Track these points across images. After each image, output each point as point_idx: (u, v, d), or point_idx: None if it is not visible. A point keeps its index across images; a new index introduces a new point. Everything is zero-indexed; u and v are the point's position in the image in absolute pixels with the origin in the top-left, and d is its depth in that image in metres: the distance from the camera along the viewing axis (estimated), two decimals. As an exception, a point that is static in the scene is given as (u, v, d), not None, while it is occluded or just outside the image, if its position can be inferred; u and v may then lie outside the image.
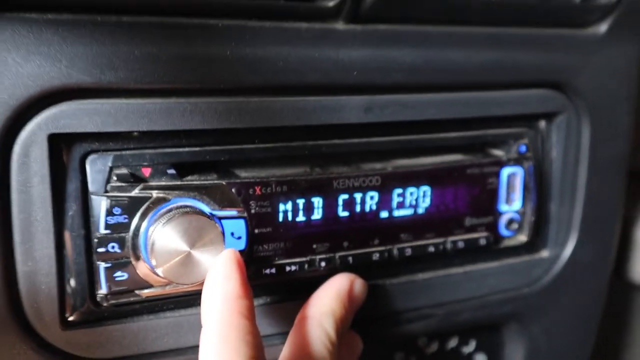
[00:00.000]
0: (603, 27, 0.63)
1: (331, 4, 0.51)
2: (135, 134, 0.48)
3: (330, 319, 0.51)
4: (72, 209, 0.47)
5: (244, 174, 0.53)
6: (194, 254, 0.47)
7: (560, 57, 0.62)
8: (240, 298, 0.45)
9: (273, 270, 0.54)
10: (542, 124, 0.65)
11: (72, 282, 0.48)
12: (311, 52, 0.52)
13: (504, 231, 0.64)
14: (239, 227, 0.52)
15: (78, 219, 0.48)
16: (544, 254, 0.68)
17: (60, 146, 0.47)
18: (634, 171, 0.85)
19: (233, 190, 0.51)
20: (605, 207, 0.69)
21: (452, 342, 0.73)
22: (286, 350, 0.50)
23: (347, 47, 0.53)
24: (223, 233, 0.48)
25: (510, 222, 0.64)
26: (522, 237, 0.65)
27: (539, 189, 0.65)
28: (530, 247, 0.67)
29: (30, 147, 0.44)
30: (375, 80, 0.54)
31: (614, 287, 0.82)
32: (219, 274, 0.46)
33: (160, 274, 0.47)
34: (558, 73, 0.62)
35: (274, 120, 0.52)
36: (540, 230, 0.67)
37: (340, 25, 0.53)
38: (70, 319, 0.49)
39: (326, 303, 0.53)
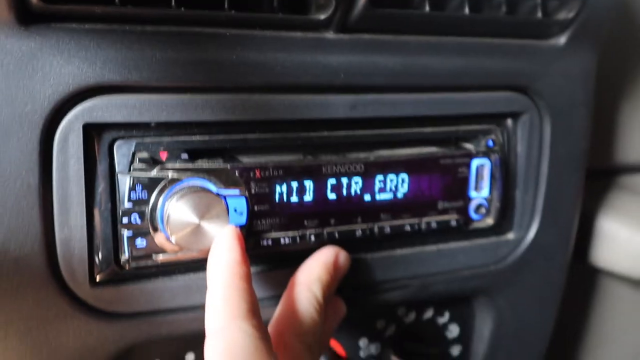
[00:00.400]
0: (562, 39, 0.69)
1: (322, 17, 0.58)
2: (153, 124, 0.55)
3: (317, 284, 0.58)
4: (101, 186, 0.55)
5: (246, 159, 0.59)
6: (203, 225, 0.54)
7: (524, 64, 0.68)
8: (240, 265, 0.51)
9: (269, 242, 0.60)
10: (509, 122, 0.72)
11: (100, 248, 0.56)
12: (305, 57, 0.58)
13: (473, 215, 0.70)
14: (240, 204, 0.58)
15: (106, 195, 0.55)
16: (510, 236, 0.74)
17: (93, 134, 0.54)
18: (600, 168, 0.94)
19: (236, 173, 0.58)
20: (565, 196, 0.75)
21: (428, 313, 0.79)
22: (279, 309, 0.57)
23: (336, 54, 0.60)
24: (227, 208, 0.56)
25: (479, 207, 0.71)
26: (489, 221, 0.72)
27: (504, 178, 0.71)
28: (497, 229, 0.73)
29: (68, 134, 0.52)
30: (359, 81, 0.61)
31: (580, 271, 0.90)
32: (223, 245, 0.53)
33: (173, 241, 0.54)
34: (522, 78, 0.69)
35: (272, 114, 0.59)
36: (506, 214, 0.73)
37: (330, 35, 0.60)
38: (98, 278, 0.56)
39: (314, 271, 0.59)
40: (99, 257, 0.56)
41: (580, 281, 0.96)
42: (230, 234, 0.54)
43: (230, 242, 0.53)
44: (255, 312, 0.50)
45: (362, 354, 0.78)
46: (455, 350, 0.83)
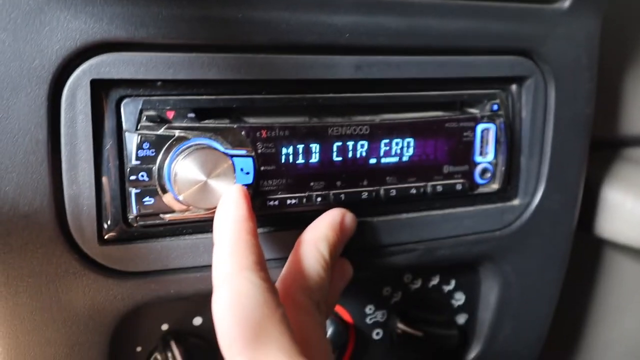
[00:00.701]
0: (566, 3, 0.69)
1: None
2: (159, 83, 0.56)
3: (324, 242, 0.58)
4: (109, 143, 0.55)
5: (252, 119, 0.60)
6: (210, 182, 0.55)
7: (528, 28, 0.69)
8: (247, 220, 0.52)
9: (276, 203, 0.61)
10: (513, 87, 0.72)
11: (108, 206, 0.56)
12: (310, 17, 0.59)
13: (478, 179, 0.71)
14: (247, 164, 0.59)
15: (114, 152, 0.55)
16: (515, 201, 0.75)
17: (100, 91, 0.54)
18: (605, 139, 0.94)
19: (243, 132, 0.58)
20: (571, 162, 0.76)
21: (434, 281, 0.80)
22: (287, 267, 0.58)
23: (340, 14, 0.60)
24: (234, 165, 0.56)
25: (484, 171, 0.71)
26: (495, 185, 0.72)
27: (509, 143, 0.72)
28: (502, 194, 0.73)
29: (76, 90, 0.53)
30: (364, 42, 0.61)
31: (584, 242, 0.91)
32: (230, 202, 0.53)
33: (181, 199, 0.55)
34: (526, 42, 0.69)
35: (278, 73, 0.59)
36: (511, 180, 0.74)
37: (334, -6, 0.60)
38: (106, 236, 0.57)
39: (321, 230, 0.59)
40: (107, 214, 0.57)
41: (584, 252, 0.96)
42: (237, 191, 0.54)
43: (237, 199, 0.53)
44: (263, 265, 0.50)
45: (368, 320, 0.78)
46: (461, 318, 0.83)
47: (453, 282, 0.81)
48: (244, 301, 0.47)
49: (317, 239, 0.59)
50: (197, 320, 0.69)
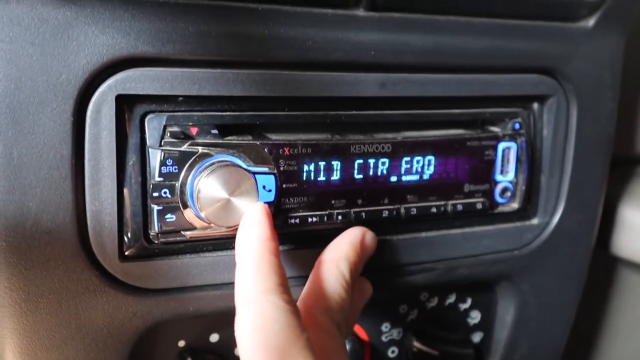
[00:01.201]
0: (591, 22, 0.69)
1: None
2: (180, 98, 0.55)
3: (345, 262, 0.57)
4: (132, 159, 0.55)
5: (275, 136, 0.59)
6: (233, 200, 0.54)
7: (552, 46, 0.68)
8: (270, 240, 0.51)
9: (297, 221, 0.61)
10: (535, 105, 0.72)
11: (130, 222, 0.56)
12: (335, 34, 0.58)
13: (498, 198, 0.71)
14: (269, 181, 0.58)
15: (137, 168, 0.55)
16: (534, 221, 0.74)
17: (125, 107, 0.54)
18: (623, 157, 0.93)
19: (265, 149, 0.58)
20: (590, 182, 0.75)
21: (450, 299, 0.79)
22: (308, 287, 0.57)
23: (366, 31, 0.59)
24: (256, 183, 0.56)
25: (504, 190, 0.71)
26: (515, 205, 0.72)
27: (530, 162, 0.71)
28: (522, 214, 0.73)
29: (101, 105, 0.52)
30: (389, 60, 0.61)
31: (601, 260, 0.90)
32: (253, 220, 0.52)
33: (203, 217, 0.54)
34: (550, 61, 0.69)
35: (302, 91, 0.58)
36: (531, 199, 0.73)
37: (360, 12, 0.60)
38: (127, 253, 0.56)
39: (342, 249, 0.59)
40: (128, 231, 0.56)
41: (600, 269, 0.95)
42: (260, 210, 0.54)
43: (259, 218, 0.53)
44: (286, 287, 0.49)
45: (384, 338, 0.78)
46: (477, 337, 0.83)
47: (469, 301, 0.81)
48: (268, 325, 0.46)
49: (338, 259, 0.58)
50: (214, 337, 0.68)
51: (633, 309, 1.02)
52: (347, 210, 0.63)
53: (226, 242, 0.60)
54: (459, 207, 0.68)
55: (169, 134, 0.56)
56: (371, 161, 0.64)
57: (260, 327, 0.46)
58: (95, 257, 0.55)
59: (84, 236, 0.55)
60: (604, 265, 0.98)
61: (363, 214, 0.64)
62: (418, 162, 0.66)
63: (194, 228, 0.58)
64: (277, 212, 0.60)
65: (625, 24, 0.72)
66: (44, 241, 0.53)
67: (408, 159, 0.65)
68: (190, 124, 0.56)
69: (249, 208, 0.54)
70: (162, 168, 0.55)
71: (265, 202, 0.56)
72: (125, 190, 0.56)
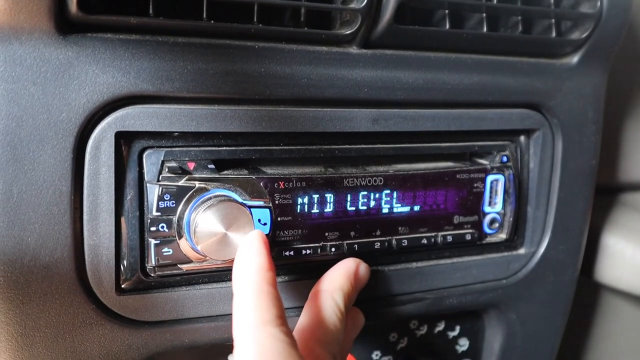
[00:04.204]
0: (575, 59, 0.72)
1: (347, 32, 0.59)
2: (176, 134, 0.56)
3: (339, 293, 0.58)
4: (130, 194, 0.55)
5: (270, 170, 0.60)
6: (229, 235, 0.55)
7: (538, 82, 0.70)
8: (268, 270, 0.51)
9: (292, 253, 0.62)
10: (522, 138, 0.73)
11: (127, 256, 0.56)
12: (330, 71, 0.60)
13: (487, 229, 0.72)
14: (264, 215, 0.59)
15: (135, 203, 0.56)
16: (521, 250, 0.76)
17: (123, 142, 0.55)
18: (605, 186, 0.95)
19: (261, 184, 0.59)
20: (575, 212, 0.77)
21: (440, 327, 0.80)
22: (303, 317, 0.58)
23: (359, 68, 0.61)
24: (252, 218, 0.57)
25: (493, 221, 0.72)
26: (502, 235, 0.73)
27: (517, 194, 0.73)
28: (510, 244, 0.75)
29: (101, 142, 0.53)
30: (381, 96, 0.62)
31: (585, 286, 0.92)
32: (251, 250, 0.53)
33: (199, 250, 0.55)
34: (536, 96, 0.71)
35: (297, 126, 0.60)
36: (518, 229, 0.75)
37: (353, 50, 0.61)
38: (124, 286, 0.57)
39: (337, 280, 0.60)
40: (125, 264, 0.57)
41: (585, 297, 0.97)
42: (257, 238, 0.54)
43: (257, 247, 0.53)
44: (284, 318, 0.50)
45: (374, 366, 0.79)
46: (465, 364, 0.84)
47: (458, 328, 0.82)
48: (268, 357, 0.47)
49: (333, 290, 0.59)
50: (207, 368, 0.69)
51: (617, 334, 1.04)
52: (340, 242, 0.64)
53: (222, 275, 0.61)
54: (449, 238, 0.70)
55: (166, 169, 0.56)
56: (363, 194, 0.65)
57: (260, 359, 0.47)
58: (92, 290, 0.56)
59: (82, 270, 0.55)
60: (588, 291, 1.00)
61: (356, 245, 0.65)
62: (409, 194, 0.67)
63: (190, 261, 0.58)
64: (272, 245, 0.61)
65: (608, 60, 0.74)
66: (41, 275, 0.53)
67: (400, 191, 0.66)
68: (188, 159, 0.57)
69: (247, 235, 0.55)
70: (160, 203, 0.56)
71: (261, 234, 0.56)
72: (123, 225, 0.56)
